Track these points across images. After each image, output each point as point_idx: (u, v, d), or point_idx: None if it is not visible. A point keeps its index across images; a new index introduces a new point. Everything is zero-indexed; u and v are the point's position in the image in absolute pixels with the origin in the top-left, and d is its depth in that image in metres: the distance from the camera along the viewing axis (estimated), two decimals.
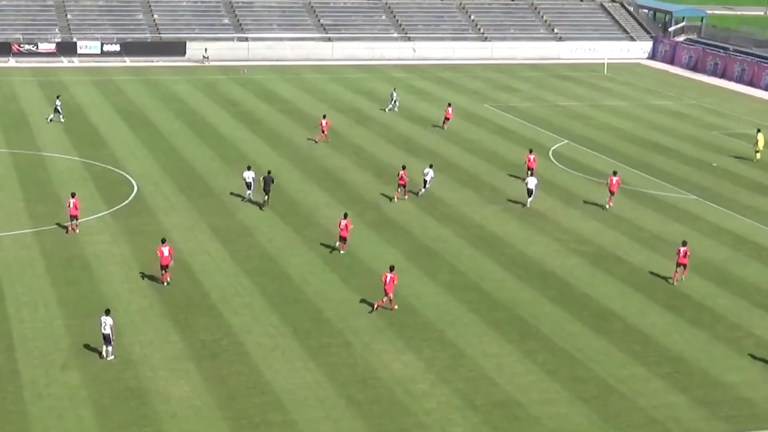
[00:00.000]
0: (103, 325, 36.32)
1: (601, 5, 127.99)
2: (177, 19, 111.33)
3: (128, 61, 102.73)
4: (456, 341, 39.48)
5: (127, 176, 60.38)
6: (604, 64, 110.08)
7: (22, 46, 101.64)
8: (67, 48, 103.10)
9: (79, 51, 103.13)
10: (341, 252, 48.57)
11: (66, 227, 50.22)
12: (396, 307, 41.98)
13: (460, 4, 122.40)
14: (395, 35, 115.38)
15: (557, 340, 39.95)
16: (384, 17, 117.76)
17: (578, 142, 74.13)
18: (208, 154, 66.35)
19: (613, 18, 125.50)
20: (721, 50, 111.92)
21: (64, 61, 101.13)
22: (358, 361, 37.46)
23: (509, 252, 49.93)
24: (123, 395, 34.20)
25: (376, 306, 41.91)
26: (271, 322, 40.50)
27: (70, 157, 64.30)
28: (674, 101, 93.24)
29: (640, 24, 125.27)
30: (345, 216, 48.92)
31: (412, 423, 33.32)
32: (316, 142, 70.31)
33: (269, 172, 56.03)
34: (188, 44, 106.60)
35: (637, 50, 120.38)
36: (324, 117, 71.57)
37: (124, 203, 55.19)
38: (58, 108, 74.01)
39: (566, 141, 74.47)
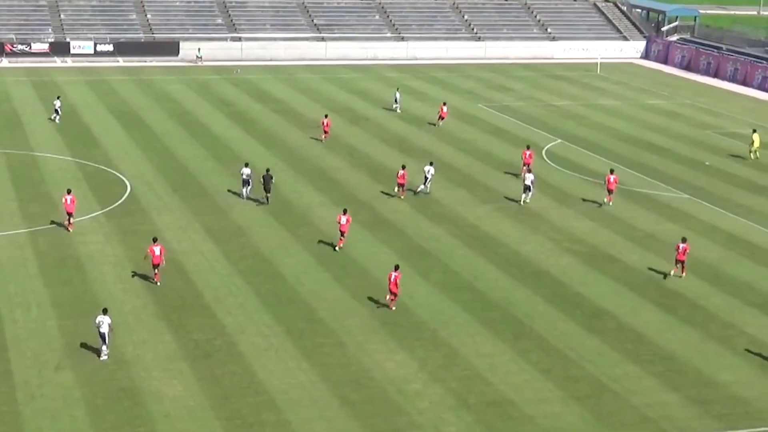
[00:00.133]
0: (100, 324, 36.29)
1: (595, 5, 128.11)
2: (170, 19, 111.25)
3: (121, 61, 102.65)
4: (449, 340, 39.49)
5: (121, 176, 60.33)
6: (597, 63, 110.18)
7: (15, 46, 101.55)
8: (60, 48, 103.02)
9: (72, 51, 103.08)
10: (339, 247, 48.78)
11: (64, 225, 50.21)
12: (394, 308, 42.04)
13: (454, 3, 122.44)
14: (389, 35, 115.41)
15: (551, 339, 39.98)
16: (377, 17, 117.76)
17: (572, 142, 74.19)
18: (201, 154, 66.32)
19: (606, 18, 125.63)
20: (714, 50, 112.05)
21: (57, 61, 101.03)
22: (351, 361, 37.46)
23: (503, 251, 49.95)
24: (116, 395, 34.16)
25: (390, 304, 42.10)
26: (265, 322, 40.49)
27: (63, 157, 64.23)
28: (667, 101, 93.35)
29: (634, 23, 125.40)
30: (345, 212, 49.06)
31: (405, 422, 33.32)
32: (322, 141, 70.54)
33: (268, 170, 56.17)
34: (181, 44, 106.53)
35: (631, 50, 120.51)
36: (326, 117, 71.88)
37: (117, 203, 55.14)
38: (58, 109, 74.01)
39: (560, 140, 74.53)
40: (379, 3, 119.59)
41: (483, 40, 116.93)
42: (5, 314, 40.23)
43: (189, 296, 42.81)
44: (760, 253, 51.40)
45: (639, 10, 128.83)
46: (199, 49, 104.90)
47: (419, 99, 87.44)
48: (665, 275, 47.09)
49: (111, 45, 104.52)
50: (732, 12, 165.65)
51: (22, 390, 34.22)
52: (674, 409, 34.77)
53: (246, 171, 56.40)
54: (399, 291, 41.96)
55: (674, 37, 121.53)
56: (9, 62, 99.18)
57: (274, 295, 43.35)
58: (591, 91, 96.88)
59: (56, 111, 74.01)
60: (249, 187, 56.21)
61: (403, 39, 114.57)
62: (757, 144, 70.80)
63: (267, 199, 55.49)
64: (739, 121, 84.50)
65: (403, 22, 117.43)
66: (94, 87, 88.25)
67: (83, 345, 37.53)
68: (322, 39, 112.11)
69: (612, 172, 58.42)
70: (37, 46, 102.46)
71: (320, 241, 50.01)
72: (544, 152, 70.21)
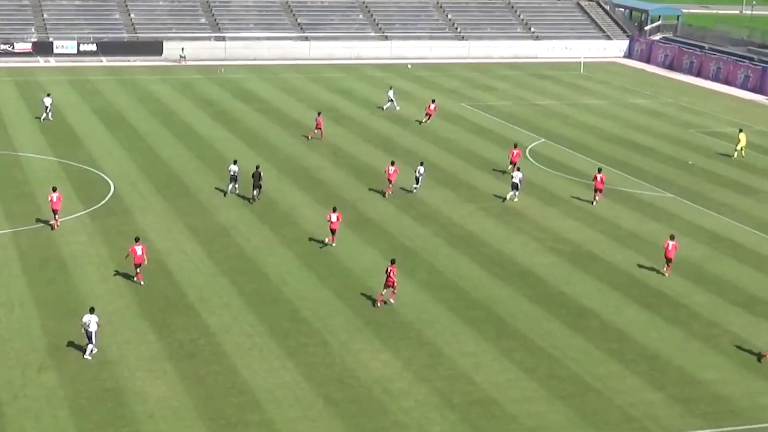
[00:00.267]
0: (88, 323, 36.16)
1: (578, 4, 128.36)
2: (154, 19, 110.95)
3: (105, 61, 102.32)
4: (433, 340, 39.51)
5: (104, 176, 60.15)
6: (580, 62, 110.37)
7: None
8: (43, 48, 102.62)
9: (55, 51, 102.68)
10: (333, 245, 48.87)
11: (50, 223, 50.09)
12: (380, 305, 42.09)
13: (437, 3, 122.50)
14: (372, 34, 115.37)
15: (534, 339, 40.05)
16: (361, 16, 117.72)
17: (555, 141, 74.32)
18: (185, 154, 66.18)
19: (589, 17, 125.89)
20: (697, 49, 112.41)
21: (41, 61, 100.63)
22: (335, 361, 37.45)
23: (487, 251, 50.00)
24: (100, 396, 34.07)
25: (391, 296, 42.15)
26: (249, 322, 40.44)
27: (46, 157, 64.00)
28: (650, 100, 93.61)
29: (617, 23, 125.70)
30: (334, 210, 49.08)
31: (389, 422, 33.33)
32: (320, 138, 70.72)
33: (258, 167, 56.18)
34: (165, 44, 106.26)
35: (614, 49, 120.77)
36: (319, 114, 72.06)
37: (100, 203, 54.98)
38: (48, 106, 73.70)
39: (543, 140, 74.64)
40: (363, 2, 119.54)
41: (467, 40, 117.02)
42: None
43: (173, 296, 42.72)
44: (743, 252, 51.59)
45: (622, 10, 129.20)
46: (182, 49, 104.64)
47: (403, 98, 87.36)
48: (663, 274, 47.20)
49: (94, 45, 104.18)
50: (715, 11, 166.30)
51: (5, 390, 34.09)
52: (658, 408, 34.88)
53: (234, 168, 56.44)
54: (393, 284, 41.99)
55: (657, 37, 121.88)
56: None
57: (258, 294, 43.30)
58: (574, 90, 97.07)
59: (46, 109, 73.58)
60: (236, 184, 56.22)
61: (386, 38, 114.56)
62: (743, 143, 71.10)
63: (254, 198, 55.43)
64: (722, 121, 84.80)
65: (387, 22, 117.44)
66: (78, 87, 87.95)
67: (67, 345, 37.42)
68: (306, 38, 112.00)
69: (600, 171, 58.58)
70: (20, 46, 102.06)
71: (304, 241, 49.99)
72: (527, 151, 70.29)
